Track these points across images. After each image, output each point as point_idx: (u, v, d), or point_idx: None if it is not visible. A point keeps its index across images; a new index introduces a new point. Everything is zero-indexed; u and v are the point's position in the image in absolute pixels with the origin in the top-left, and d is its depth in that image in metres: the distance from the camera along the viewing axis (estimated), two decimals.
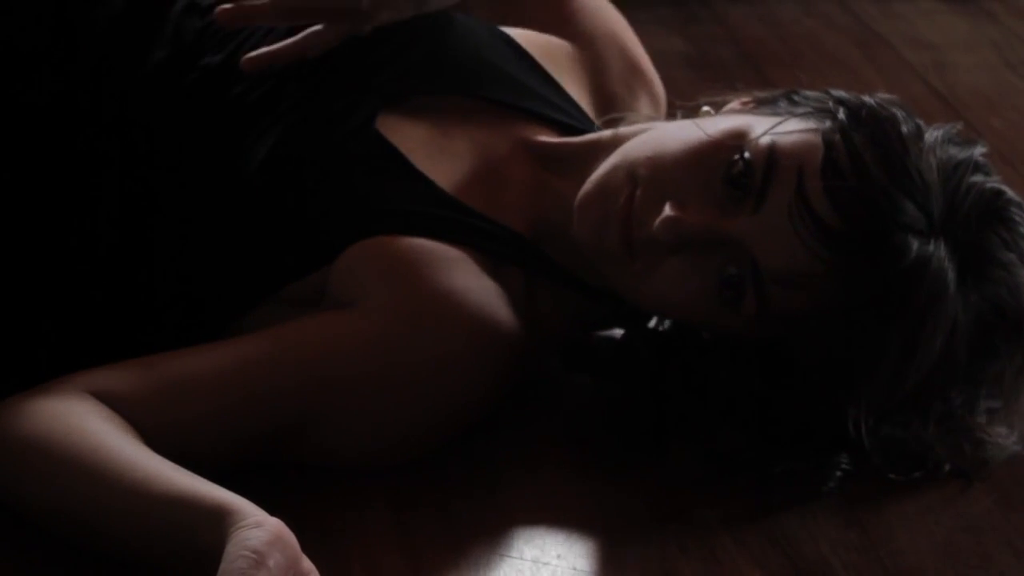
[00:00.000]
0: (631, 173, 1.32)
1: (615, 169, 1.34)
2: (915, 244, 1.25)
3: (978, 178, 1.31)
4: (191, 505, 1.14)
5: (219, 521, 1.12)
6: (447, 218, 1.36)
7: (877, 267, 1.25)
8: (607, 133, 1.45)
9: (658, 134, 1.36)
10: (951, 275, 1.27)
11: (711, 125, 1.33)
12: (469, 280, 1.34)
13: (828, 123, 1.30)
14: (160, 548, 1.16)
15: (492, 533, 1.29)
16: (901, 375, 1.29)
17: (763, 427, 1.34)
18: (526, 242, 1.40)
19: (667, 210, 1.28)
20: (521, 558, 1.27)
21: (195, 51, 1.40)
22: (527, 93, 1.47)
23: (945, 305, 1.27)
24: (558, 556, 1.28)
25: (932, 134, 1.32)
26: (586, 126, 1.49)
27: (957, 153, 1.31)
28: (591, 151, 1.42)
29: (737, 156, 1.28)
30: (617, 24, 1.64)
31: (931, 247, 1.26)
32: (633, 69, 1.61)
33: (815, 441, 1.34)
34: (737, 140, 1.30)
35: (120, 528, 1.17)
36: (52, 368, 1.29)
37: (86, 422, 1.22)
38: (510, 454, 1.37)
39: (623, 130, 1.45)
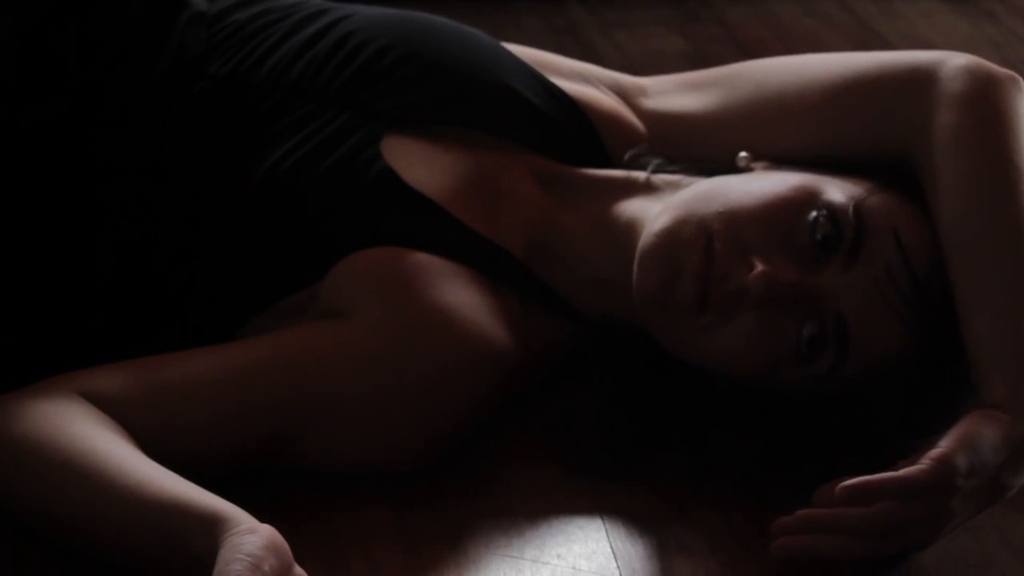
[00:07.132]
0: (703, 227, 1.28)
1: (682, 223, 1.30)
2: None
3: None
4: (183, 512, 1.14)
5: (211, 528, 1.12)
6: (443, 234, 1.36)
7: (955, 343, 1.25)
8: (638, 175, 1.44)
9: (722, 188, 1.33)
10: None
11: (780, 181, 1.31)
12: (464, 295, 1.34)
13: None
14: (152, 554, 1.16)
15: (492, 533, 1.29)
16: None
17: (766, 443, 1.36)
18: (520, 263, 1.40)
19: (759, 265, 1.25)
20: (521, 558, 1.27)
21: (200, 61, 1.40)
22: (541, 125, 1.45)
23: None
24: (558, 556, 1.27)
25: None
26: (600, 164, 1.47)
27: None
28: (606, 186, 1.42)
29: (816, 213, 1.27)
30: None
31: None
32: None
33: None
34: (809, 196, 1.29)
35: (111, 533, 1.17)
36: (47, 371, 1.29)
37: (76, 425, 1.22)
38: (509, 454, 1.37)
39: (660, 178, 1.43)
